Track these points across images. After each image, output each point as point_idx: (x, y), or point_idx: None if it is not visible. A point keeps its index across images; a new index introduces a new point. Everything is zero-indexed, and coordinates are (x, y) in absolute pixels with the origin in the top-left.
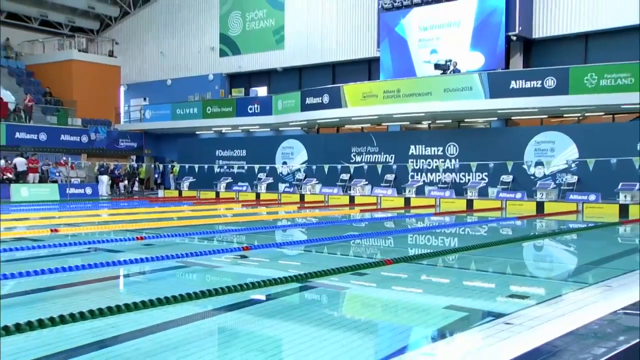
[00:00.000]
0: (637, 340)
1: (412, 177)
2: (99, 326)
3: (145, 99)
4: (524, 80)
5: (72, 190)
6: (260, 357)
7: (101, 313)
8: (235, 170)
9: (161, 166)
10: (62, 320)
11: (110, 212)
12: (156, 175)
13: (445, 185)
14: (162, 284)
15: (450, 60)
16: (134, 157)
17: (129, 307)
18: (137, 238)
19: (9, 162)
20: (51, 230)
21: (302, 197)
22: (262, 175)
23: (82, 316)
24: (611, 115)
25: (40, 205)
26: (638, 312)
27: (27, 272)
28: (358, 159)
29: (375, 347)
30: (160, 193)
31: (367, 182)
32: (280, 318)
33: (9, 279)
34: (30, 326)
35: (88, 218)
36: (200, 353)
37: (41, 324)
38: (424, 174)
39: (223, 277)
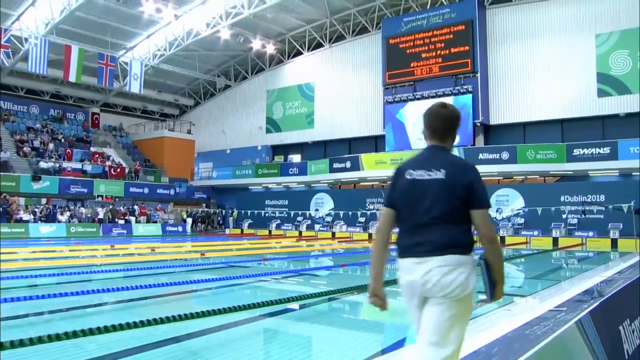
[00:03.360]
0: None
1: None
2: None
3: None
4: (488, 153)
5: (170, 228)
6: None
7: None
8: (288, 214)
9: (223, 211)
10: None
11: (211, 243)
12: (219, 218)
13: None
14: (291, 286)
15: None
16: (204, 205)
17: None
18: (264, 259)
19: (126, 208)
20: (201, 255)
21: (333, 234)
22: (300, 219)
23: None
24: (543, 178)
25: (153, 238)
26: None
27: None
28: (371, 207)
29: None
30: (227, 231)
31: None
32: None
33: (193, 283)
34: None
35: (203, 247)
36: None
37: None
38: None
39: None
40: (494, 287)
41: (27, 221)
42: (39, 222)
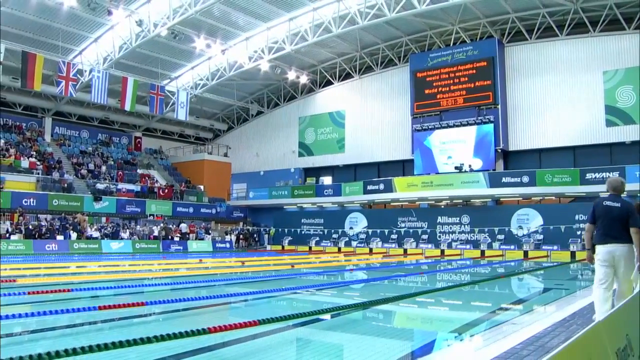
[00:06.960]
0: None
1: (440, 237)
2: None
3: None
4: (510, 177)
5: (219, 245)
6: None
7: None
8: (323, 232)
9: (259, 229)
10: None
11: (272, 258)
12: (254, 235)
13: (464, 241)
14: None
15: (463, 164)
16: (241, 223)
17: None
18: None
19: (176, 226)
20: (291, 266)
21: (370, 250)
22: (335, 236)
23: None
24: (559, 199)
25: (206, 254)
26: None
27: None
28: (402, 225)
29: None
30: (268, 247)
31: (413, 240)
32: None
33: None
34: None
35: (264, 261)
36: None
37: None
38: (449, 235)
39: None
40: None
41: (97, 238)
42: (105, 238)
